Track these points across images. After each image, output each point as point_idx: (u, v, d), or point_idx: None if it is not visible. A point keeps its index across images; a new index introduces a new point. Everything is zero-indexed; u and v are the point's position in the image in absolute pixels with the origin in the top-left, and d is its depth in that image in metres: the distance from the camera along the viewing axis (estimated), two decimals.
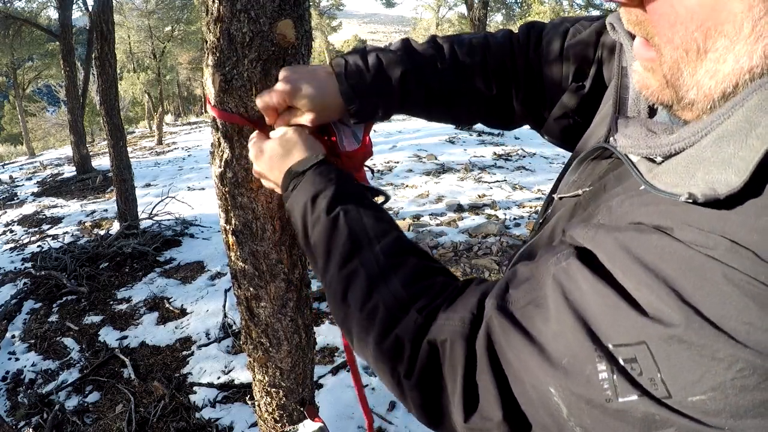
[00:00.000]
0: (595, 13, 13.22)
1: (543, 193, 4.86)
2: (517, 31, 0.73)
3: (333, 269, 0.54)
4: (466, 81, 0.70)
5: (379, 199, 0.67)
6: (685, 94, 0.35)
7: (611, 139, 0.45)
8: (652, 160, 0.39)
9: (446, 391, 0.43)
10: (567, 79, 0.67)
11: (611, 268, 0.34)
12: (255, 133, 0.71)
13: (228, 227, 0.84)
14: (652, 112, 0.47)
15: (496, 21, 20.63)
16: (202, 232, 4.54)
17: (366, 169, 0.80)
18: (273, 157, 0.65)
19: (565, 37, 0.67)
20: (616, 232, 0.35)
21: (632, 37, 0.45)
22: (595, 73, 0.64)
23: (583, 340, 0.33)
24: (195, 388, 2.40)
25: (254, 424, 2.13)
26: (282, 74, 0.66)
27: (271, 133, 0.68)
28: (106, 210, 5.68)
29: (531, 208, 4.69)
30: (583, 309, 0.34)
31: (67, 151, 10.92)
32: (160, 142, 11.01)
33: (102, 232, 4.65)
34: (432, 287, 0.49)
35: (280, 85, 0.65)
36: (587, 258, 0.37)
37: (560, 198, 0.54)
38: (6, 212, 6.23)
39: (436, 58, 0.69)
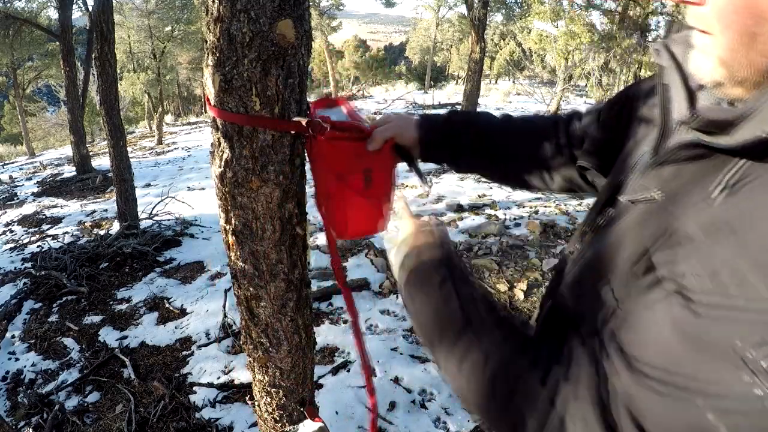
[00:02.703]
0: (595, 12, 13.18)
1: (543, 194, 4.85)
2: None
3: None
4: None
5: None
6: (737, 72, 0.44)
7: (677, 136, 0.51)
8: (724, 133, 0.45)
9: None
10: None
11: (713, 284, 0.37)
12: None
13: (228, 227, 0.84)
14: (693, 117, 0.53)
15: (496, 21, 20.63)
16: (202, 232, 4.54)
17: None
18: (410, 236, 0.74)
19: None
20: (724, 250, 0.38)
21: (673, 58, 0.55)
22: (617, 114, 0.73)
23: (721, 362, 0.35)
24: (195, 388, 2.40)
25: (254, 424, 2.12)
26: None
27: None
28: (106, 210, 5.68)
29: (531, 207, 4.69)
30: (708, 337, 0.37)
31: (67, 151, 10.93)
32: (160, 142, 11.01)
33: (102, 232, 4.66)
34: (540, 351, 0.52)
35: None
36: (686, 289, 0.39)
37: (631, 201, 0.55)
38: (6, 212, 6.23)
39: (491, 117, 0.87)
